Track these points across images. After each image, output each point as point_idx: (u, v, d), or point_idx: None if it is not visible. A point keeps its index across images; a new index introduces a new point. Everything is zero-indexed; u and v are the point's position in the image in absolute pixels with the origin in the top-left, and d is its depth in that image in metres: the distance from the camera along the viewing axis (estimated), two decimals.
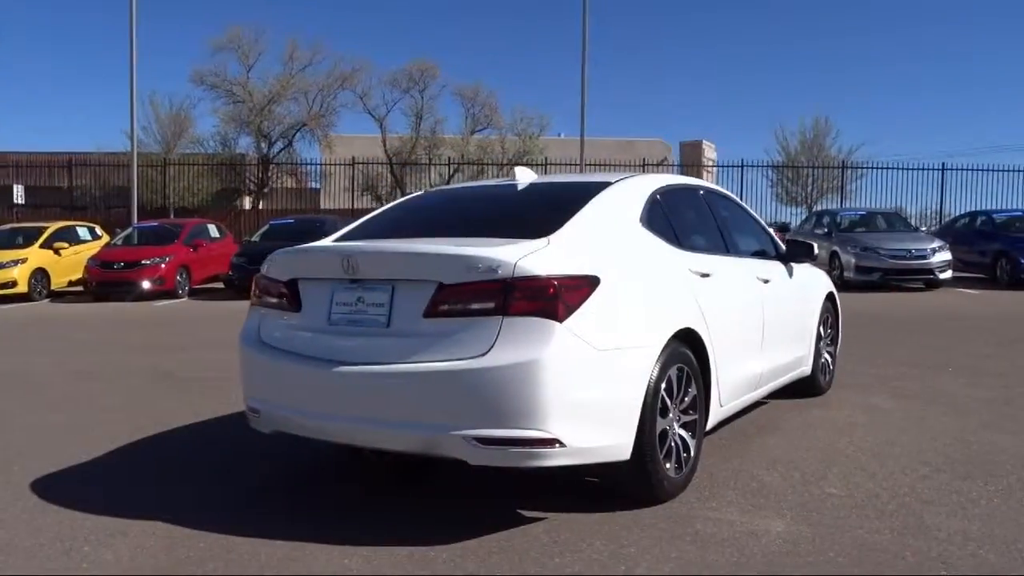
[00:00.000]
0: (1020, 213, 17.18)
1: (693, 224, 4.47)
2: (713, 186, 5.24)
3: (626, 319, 3.45)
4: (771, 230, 5.72)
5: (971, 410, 5.51)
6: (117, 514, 3.67)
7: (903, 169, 24.93)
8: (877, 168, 25.26)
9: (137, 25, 22.09)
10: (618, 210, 3.89)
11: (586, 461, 3.29)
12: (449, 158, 32.94)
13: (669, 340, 3.62)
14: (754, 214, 5.59)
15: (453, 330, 3.21)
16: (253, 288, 3.95)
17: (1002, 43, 75.45)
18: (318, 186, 35.48)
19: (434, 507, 3.76)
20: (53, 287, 16.62)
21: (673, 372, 3.67)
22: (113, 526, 3.54)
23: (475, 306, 3.19)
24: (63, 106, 64.92)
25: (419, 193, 4.90)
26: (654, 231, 3.97)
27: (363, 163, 30.93)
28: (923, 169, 24.76)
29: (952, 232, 17.38)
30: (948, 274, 14.97)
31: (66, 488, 4.11)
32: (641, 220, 3.94)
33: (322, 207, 32.70)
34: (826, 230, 16.82)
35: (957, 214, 20.72)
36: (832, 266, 15.38)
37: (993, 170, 24.47)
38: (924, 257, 14.78)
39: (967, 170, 24.39)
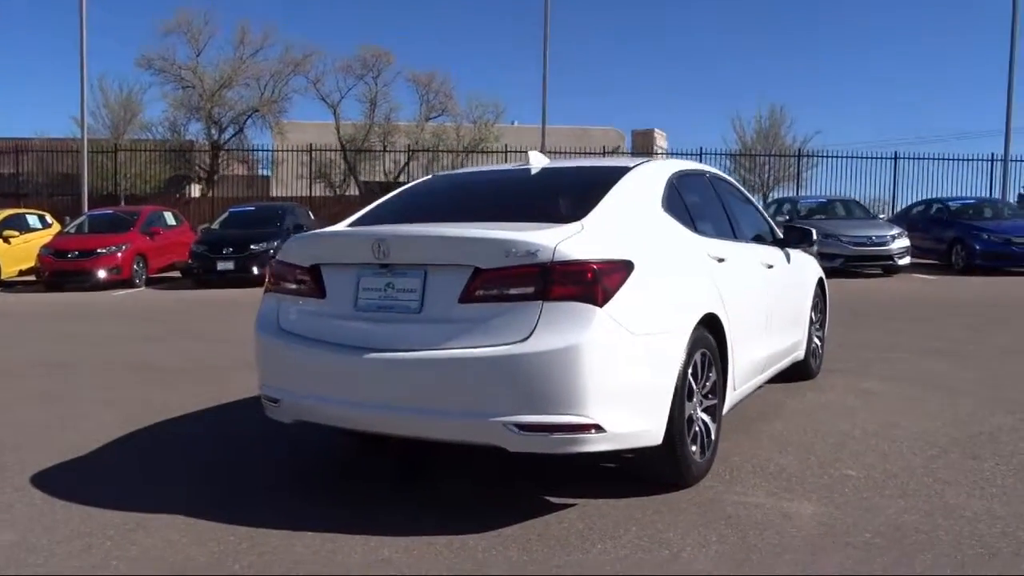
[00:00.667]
0: (974, 201, 17.68)
1: (705, 209, 4.47)
2: (716, 171, 5.25)
3: (658, 304, 3.43)
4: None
5: (961, 392, 5.63)
6: (129, 508, 3.55)
7: (857, 158, 25.52)
8: (831, 157, 25.80)
9: (87, 7, 21.42)
10: (641, 195, 3.87)
11: (623, 447, 3.27)
12: (409, 146, 32.56)
13: (696, 325, 3.62)
14: (752, 198, 5.63)
15: (491, 315, 3.16)
16: (268, 274, 3.84)
17: (953, 32, 77.60)
18: (269, 173, 34.87)
19: (457, 496, 3.71)
20: (3, 277, 16.08)
21: (698, 357, 3.67)
22: (130, 520, 3.42)
23: (514, 291, 3.14)
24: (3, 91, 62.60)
25: (426, 178, 4.81)
26: (674, 216, 3.96)
27: (321, 150, 30.43)
28: (876, 158, 25.40)
29: (908, 219, 17.79)
30: (907, 260, 15.33)
31: (68, 483, 3.96)
32: (663, 205, 3.93)
33: (273, 195, 32.16)
34: (787, 217, 17.06)
35: (910, 202, 21.21)
36: None
37: (943, 159, 25.19)
38: (884, 244, 15.10)
39: (919, 159, 25.05)
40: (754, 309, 4.55)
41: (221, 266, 15.28)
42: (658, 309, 3.42)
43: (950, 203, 17.44)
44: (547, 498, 3.60)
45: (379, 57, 35.28)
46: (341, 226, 4.04)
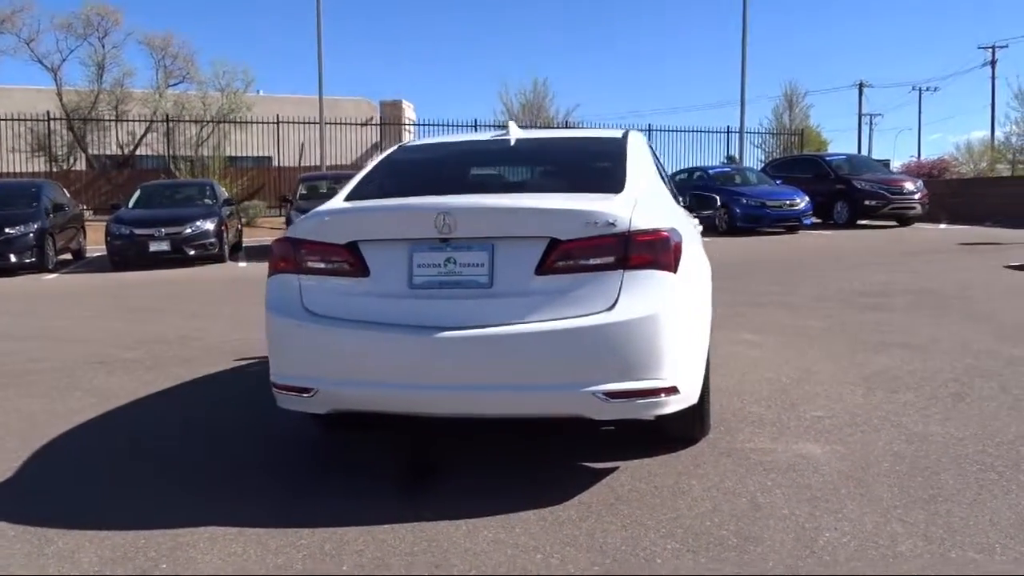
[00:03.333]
0: (730, 169, 19.66)
1: (663, 176, 4.69)
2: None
3: (697, 270, 3.60)
4: None
5: (825, 338, 6.38)
6: (139, 526, 3.13)
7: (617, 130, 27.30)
8: (595, 129, 27.42)
9: None
10: (648, 166, 4.01)
11: (684, 406, 3.39)
12: (168, 115, 29.78)
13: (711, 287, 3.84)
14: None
15: (571, 286, 3.15)
16: (280, 253, 3.49)
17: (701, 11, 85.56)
18: None
19: (496, 475, 3.64)
20: None
21: None
22: (160, 539, 3.02)
23: (594, 261, 3.16)
24: None
25: (394, 150, 4.52)
26: (662, 183, 4.15)
27: (54, 119, 27.11)
28: (633, 130, 27.32)
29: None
30: None
31: (21, 509, 3.38)
32: (657, 174, 4.09)
33: None
34: None
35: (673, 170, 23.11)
36: None
37: (690, 131, 27.77)
38: None
39: (668, 131, 27.44)
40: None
41: None
42: (697, 274, 3.60)
43: (710, 171, 19.26)
44: (586, 464, 3.67)
45: (105, 16, 32.14)
46: (337, 203, 3.75)
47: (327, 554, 2.87)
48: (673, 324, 3.21)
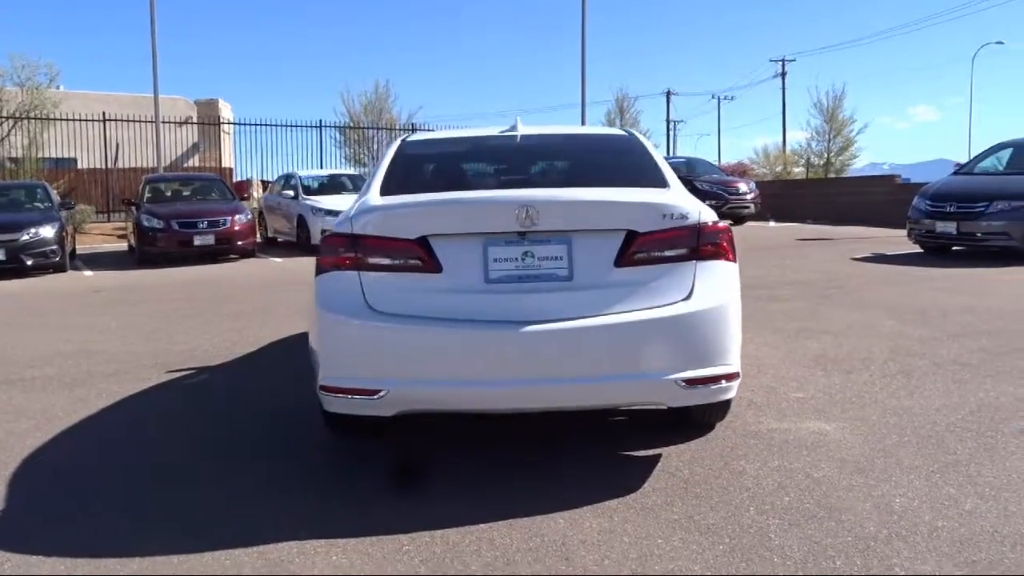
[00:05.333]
0: None
1: None
2: None
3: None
4: None
5: (749, 328, 6.62)
6: (208, 548, 2.91)
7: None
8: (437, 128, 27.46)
9: None
10: (666, 162, 4.14)
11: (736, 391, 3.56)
12: None
13: None
14: None
15: (649, 278, 3.24)
16: (341, 250, 3.31)
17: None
18: None
19: (545, 469, 3.66)
20: None
21: None
22: (247, 558, 2.83)
23: (670, 253, 3.27)
24: None
25: (401, 143, 4.31)
26: None
27: None
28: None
29: None
30: None
31: (40, 545, 3.05)
32: None
33: None
34: (292, 194, 16.58)
35: None
36: (301, 229, 15.46)
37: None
38: None
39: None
40: None
41: None
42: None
43: None
44: (628, 454, 3.77)
45: None
46: (376, 199, 3.60)
47: (441, 557, 2.80)
48: (736, 311, 3.39)
